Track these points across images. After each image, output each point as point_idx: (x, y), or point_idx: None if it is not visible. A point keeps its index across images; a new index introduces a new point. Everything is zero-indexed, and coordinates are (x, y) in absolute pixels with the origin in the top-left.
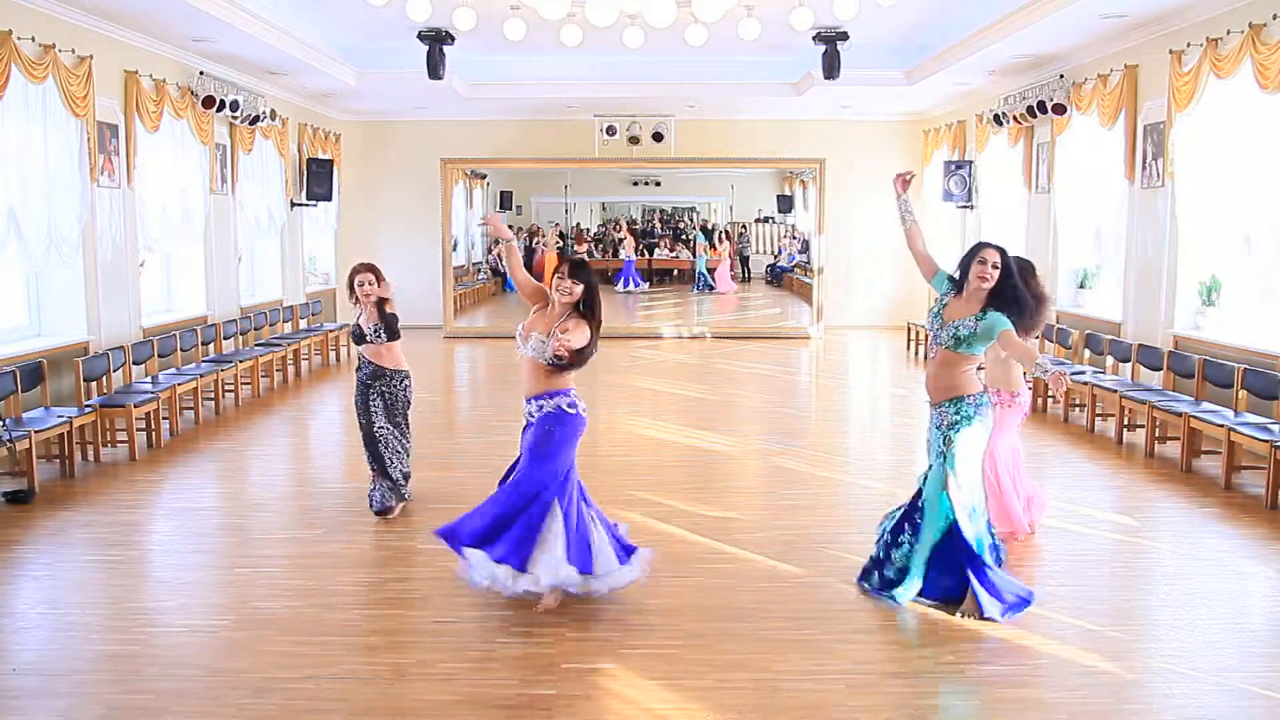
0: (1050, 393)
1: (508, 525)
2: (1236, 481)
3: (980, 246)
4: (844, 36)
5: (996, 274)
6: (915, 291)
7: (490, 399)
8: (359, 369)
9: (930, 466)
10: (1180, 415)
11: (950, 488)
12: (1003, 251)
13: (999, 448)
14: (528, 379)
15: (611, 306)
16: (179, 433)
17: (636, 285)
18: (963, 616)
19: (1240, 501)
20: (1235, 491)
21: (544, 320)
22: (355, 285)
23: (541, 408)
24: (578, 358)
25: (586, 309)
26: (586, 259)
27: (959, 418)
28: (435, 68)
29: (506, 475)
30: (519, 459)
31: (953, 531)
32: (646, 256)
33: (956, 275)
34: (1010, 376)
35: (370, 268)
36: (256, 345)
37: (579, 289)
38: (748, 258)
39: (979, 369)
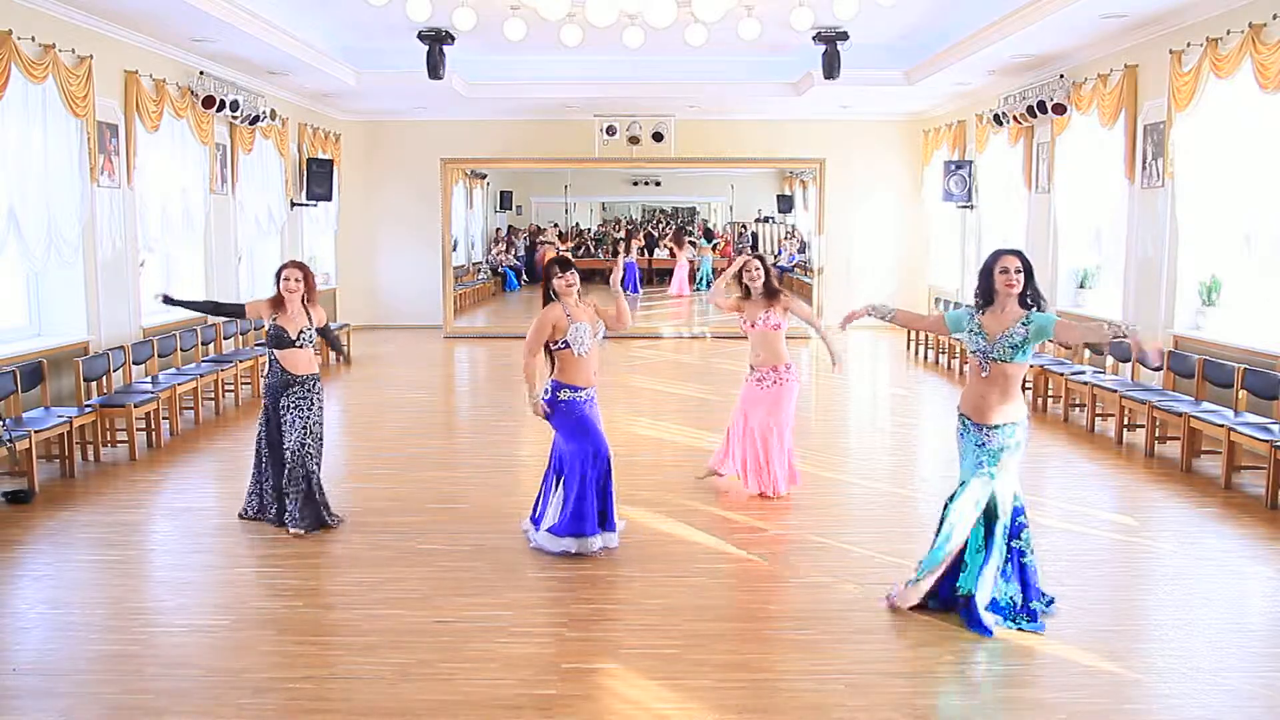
0: (1143, 358)
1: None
2: (1236, 481)
3: (999, 255)
4: (844, 36)
5: (1021, 278)
6: (915, 291)
7: (490, 399)
8: (267, 376)
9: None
10: (1180, 415)
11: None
12: (1019, 254)
13: (785, 417)
14: (594, 367)
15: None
16: (179, 433)
17: (634, 291)
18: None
19: (1240, 501)
20: (1235, 491)
21: (576, 314)
22: (281, 280)
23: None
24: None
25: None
26: (568, 256)
27: (1014, 442)
28: (435, 68)
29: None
30: (593, 433)
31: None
32: (646, 256)
33: (978, 296)
34: (780, 352)
35: (300, 265)
36: (256, 345)
37: (576, 277)
38: None
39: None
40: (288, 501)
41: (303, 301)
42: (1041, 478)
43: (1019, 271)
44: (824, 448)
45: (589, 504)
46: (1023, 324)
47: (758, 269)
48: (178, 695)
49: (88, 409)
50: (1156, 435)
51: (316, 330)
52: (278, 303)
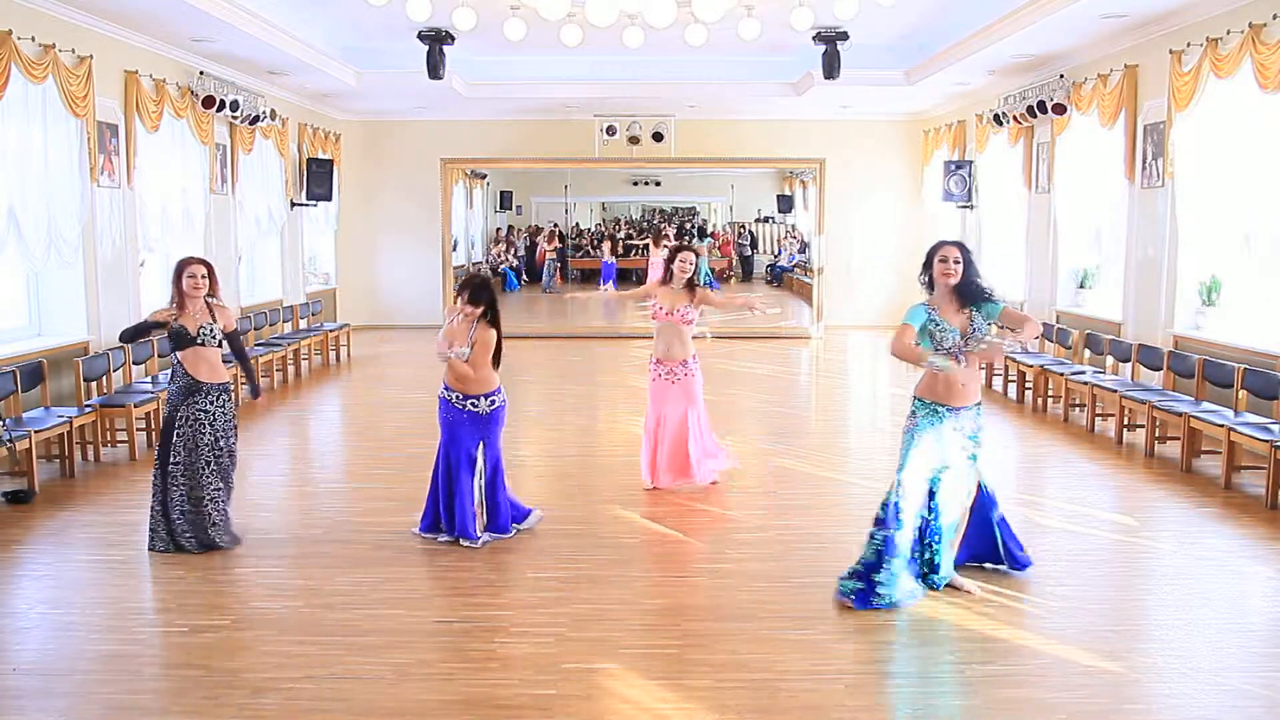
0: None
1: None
2: (1236, 481)
3: (939, 245)
4: (844, 36)
5: (959, 269)
6: (914, 292)
7: None
8: (170, 382)
9: (944, 468)
10: (1180, 415)
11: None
12: (960, 245)
13: (701, 406)
14: (468, 379)
15: (602, 307)
16: None
17: (614, 287)
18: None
19: (1240, 501)
20: (1235, 491)
21: (461, 331)
22: (184, 278)
23: (493, 402)
24: (497, 355)
25: (493, 320)
26: (486, 280)
27: (982, 419)
28: (435, 68)
29: (449, 467)
30: (458, 445)
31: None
32: (645, 256)
33: (926, 285)
34: (688, 345)
35: (203, 262)
36: (256, 345)
37: (478, 309)
38: (748, 257)
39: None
40: (177, 516)
41: (206, 302)
42: (1041, 478)
43: (957, 262)
44: (824, 448)
45: (431, 498)
46: (984, 316)
47: (691, 262)
48: (178, 695)
49: (88, 409)
50: (1156, 435)
51: (224, 336)
52: (180, 306)
